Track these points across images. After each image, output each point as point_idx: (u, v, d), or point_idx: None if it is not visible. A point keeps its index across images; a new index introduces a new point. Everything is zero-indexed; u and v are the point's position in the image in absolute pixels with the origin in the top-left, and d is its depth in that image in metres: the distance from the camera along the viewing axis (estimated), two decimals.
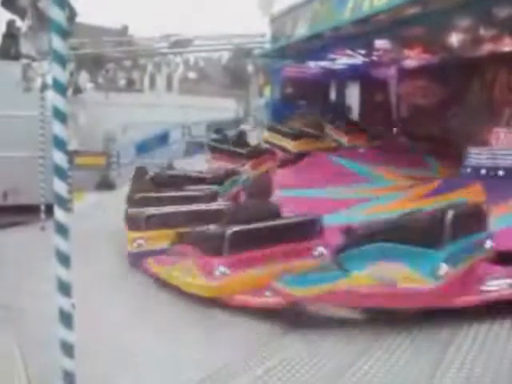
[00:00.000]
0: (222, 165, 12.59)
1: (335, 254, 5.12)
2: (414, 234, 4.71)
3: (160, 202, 8.57)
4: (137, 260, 7.70)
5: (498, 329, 4.09)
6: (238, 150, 13.26)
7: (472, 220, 5.32)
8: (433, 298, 4.49)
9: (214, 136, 15.55)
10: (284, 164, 13.07)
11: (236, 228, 5.99)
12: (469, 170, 10.83)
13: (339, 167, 12.31)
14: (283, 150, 14.07)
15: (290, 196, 9.92)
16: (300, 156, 13.49)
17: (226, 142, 14.12)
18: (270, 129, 15.43)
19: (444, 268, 4.51)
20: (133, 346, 4.72)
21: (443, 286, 4.49)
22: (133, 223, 8.17)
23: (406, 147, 13.70)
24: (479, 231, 5.38)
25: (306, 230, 6.58)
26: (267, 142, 14.82)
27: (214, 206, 8.54)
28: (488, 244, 5.40)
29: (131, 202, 9.03)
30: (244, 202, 7.47)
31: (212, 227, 6.65)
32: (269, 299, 5.32)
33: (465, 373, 3.42)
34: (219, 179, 10.49)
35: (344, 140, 14.39)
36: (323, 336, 4.54)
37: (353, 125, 15.50)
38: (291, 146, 14.06)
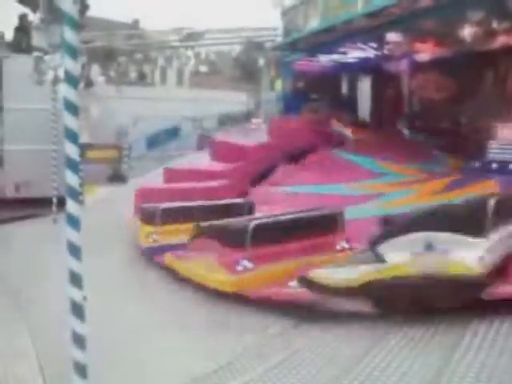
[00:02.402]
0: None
1: (372, 244, 4.93)
2: (455, 224, 4.55)
3: None
4: (152, 254, 7.68)
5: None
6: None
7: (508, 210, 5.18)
8: (479, 288, 4.35)
9: None
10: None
11: (258, 221, 5.81)
12: (481, 164, 10.79)
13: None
14: None
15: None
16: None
17: None
18: None
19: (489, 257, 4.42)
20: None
21: (488, 275, 4.41)
22: (147, 217, 8.11)
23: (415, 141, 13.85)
24: None
25: (328, 224, 6.51)
26: None
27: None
28: None
29: None
30: None
31: (234, 221, 6.52)
32: (295, 292, 5.15)
33: (477, 365, 3.40)
34: None
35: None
36: (336, 327, 4.54)
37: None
38: None
